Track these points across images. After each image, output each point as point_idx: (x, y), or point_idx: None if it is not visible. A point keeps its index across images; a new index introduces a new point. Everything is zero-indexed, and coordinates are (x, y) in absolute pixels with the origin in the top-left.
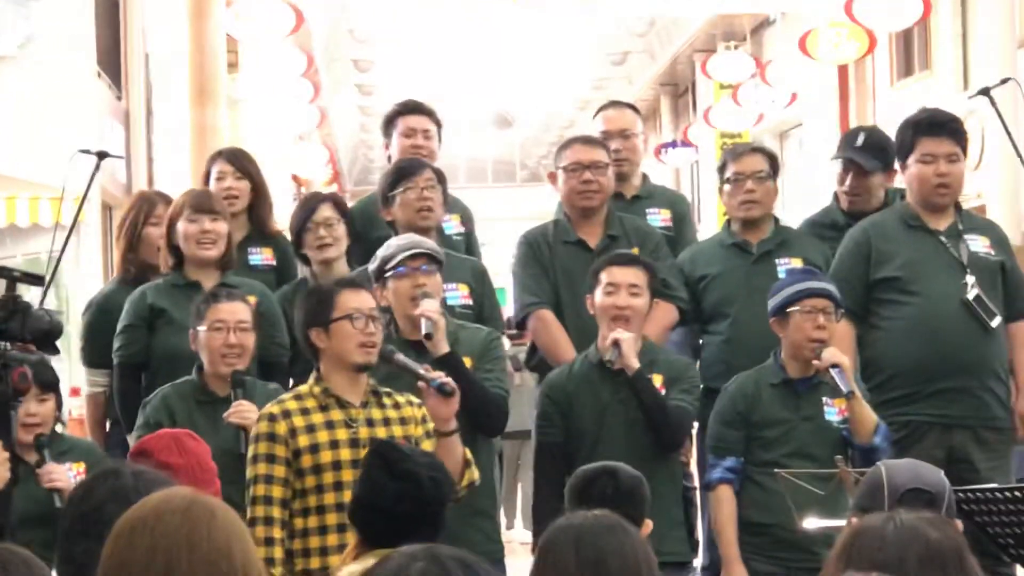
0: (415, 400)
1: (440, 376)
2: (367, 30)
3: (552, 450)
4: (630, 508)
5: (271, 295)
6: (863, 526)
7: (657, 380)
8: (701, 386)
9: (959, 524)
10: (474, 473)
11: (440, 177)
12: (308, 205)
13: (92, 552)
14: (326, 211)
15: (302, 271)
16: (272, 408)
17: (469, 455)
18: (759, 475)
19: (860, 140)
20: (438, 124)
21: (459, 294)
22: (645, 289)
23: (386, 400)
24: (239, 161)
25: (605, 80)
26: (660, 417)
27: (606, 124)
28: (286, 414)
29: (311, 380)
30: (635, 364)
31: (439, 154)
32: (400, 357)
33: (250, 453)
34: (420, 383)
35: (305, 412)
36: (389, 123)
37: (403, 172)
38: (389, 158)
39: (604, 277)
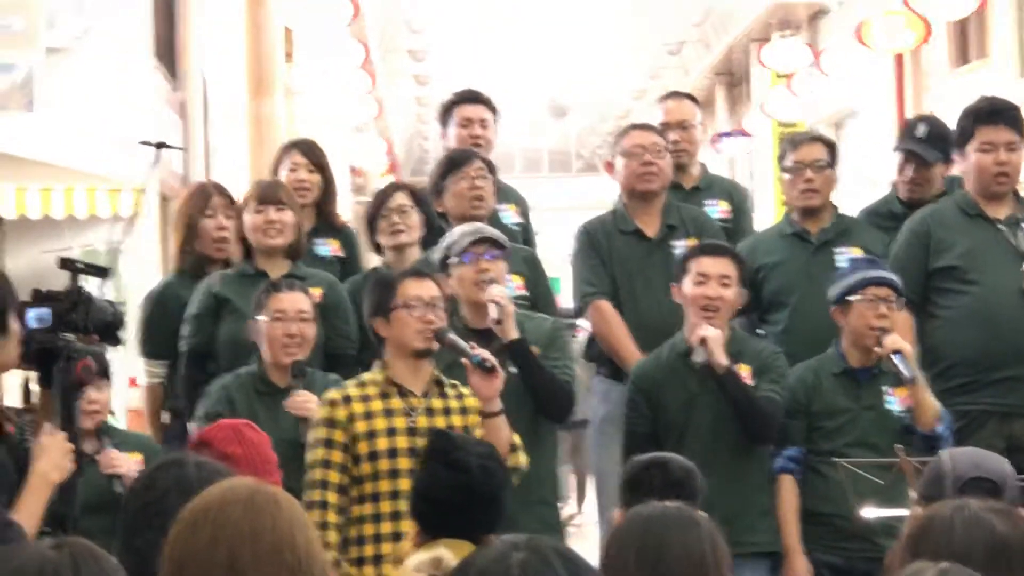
0: (469, 389)
1: (482, 352)
2: (423, 20)
3: (641, 440)
4: (680, 499)
5: (339, 286)
6: (931, 516)
7: (745, 371)
8: (787, 373)
9: (1022, 512)
10: (520, 458)
11: (490, 167)
12: (383, 193)
13: (154, 543)
14: (401, 198)
15: (375, 261)
16: (333, 394)
17: (516, 439)
18: (820, 465)
19: (921, 131)
20: (495, 113)
21: (513, 284)
22: (735, 280)
23: (449, 391)
24: (313, 153)
25: (661, 69)
26: (750, 412)
27: (666, 115)
28: (347, 400)
29: (375, 368)
30: (724, 362)
31: (495, 143)
32: (451, 336)
33: (310, 438)
34: (464, 360)
35: (366, 399)
36: (446, 112)
37: (453, 163)
38: (446, 148)
39: (694, 267)
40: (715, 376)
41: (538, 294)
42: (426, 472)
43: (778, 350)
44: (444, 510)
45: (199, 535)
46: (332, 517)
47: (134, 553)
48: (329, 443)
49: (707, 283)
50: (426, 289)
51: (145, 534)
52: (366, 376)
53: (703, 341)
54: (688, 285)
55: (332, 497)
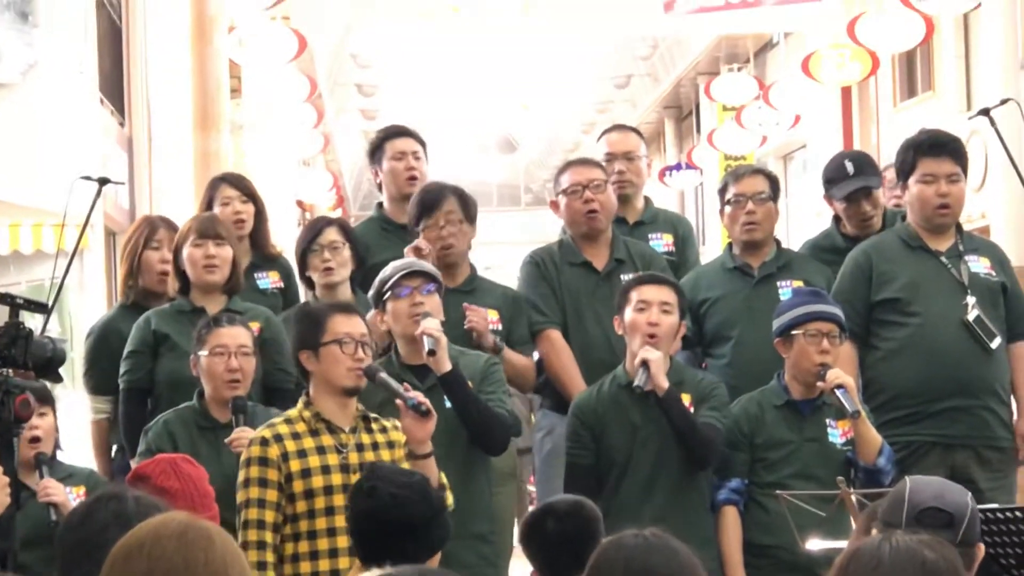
0: (397, 423)
1: (417, 396)
2: (370, 55)
3: (583, 472)
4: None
5: (276, 320)
6: (859, 547)
7: (685, 399)
8: (728, 402)
9: (981, 547)
10: (448, 499)
11: (465, 202)
12: (314, 227)
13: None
14: (332, 234)
15: (305, 295)
16: (264, 432)
17: (444, 480)
18: (763, 496)
19: (850, 168)
20: (424, 145)
21: (491, 318)
22: (675, 308)
23: (374, 425)
24: (242, 184)
25: (609, 103)
26: (690, 436)
27: (610, 147)
28: (278, 438)
29: (300, 404)
30: (664, 384)
31: (427, 175)
32: (383, 375)
33: (241, 477)
34: (398, 401)
35: (296, 436)
36: (376, 149)
37: (425, 206)
38: (380, 186)
39: (635, 295)
40: (656, 399)
41: (513, 331)
42: (350, 503)
43: (717, 381)
44: (366, 540)
45: (132, 569)
46: (270, 556)
47: None
48: (263, 482)
49: (648, 309)
50: (356, 326)
51: (82, 567)
52: (291, 412)
53: (644, 364)
54: (629, 313)
55: (269, 537)
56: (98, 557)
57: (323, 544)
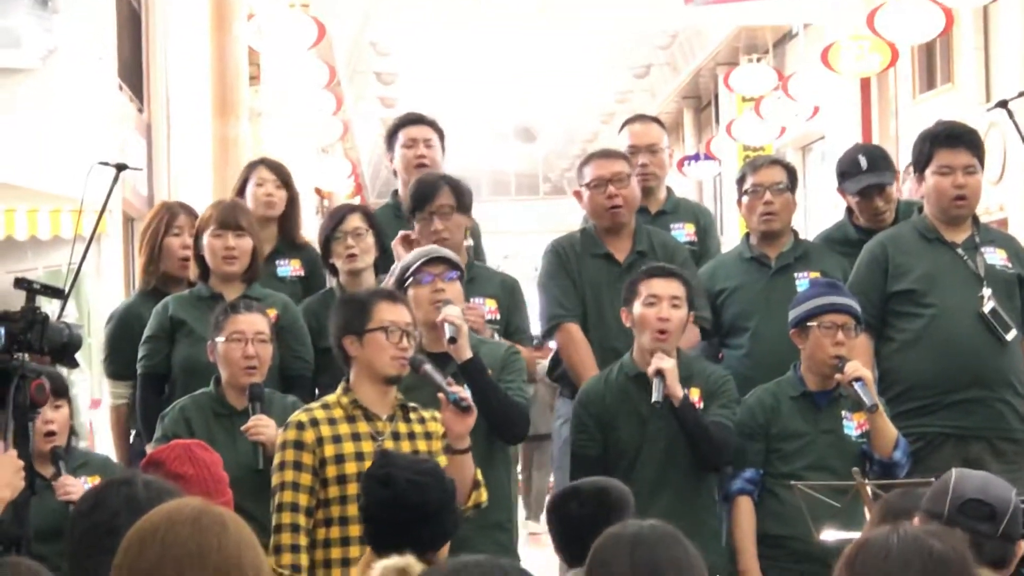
0: (437, 415)
1: (459, 391)
2: (389, 43)
3: (590, 463)
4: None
5: (294, 307)
6: (868, 538)
7: (695, 394)
8: (738, 397)
9: (1022, 545)
10: (482, 495)
11: (459, 193)
12: (337, 215)
13: (104, 563)
14: (355, 221)
15: (329, 282)
16: (300, 416)
17: (480, 476)
18: (777, 487)
19: (864, 163)
20: (440, 133)
21: (486, 308)
22: (684, 301)
23: (412, 415)
24: (279, 171)
25: (628, 93)
26: (704, 441)
27: (633, 139)
28: (314, 422)
29: (339, 390)
30: (679, 394)
31: (442, 164)
32: (428, 367)
33: (276, 460)
34: (440, 395)
35: (332, 422)
36: (391, 136)
37: (418, 199)
38: (395, 172)
39: (644, 289)
40: (672, 408)
41: (511, 321)
42: (364, 490)
43: (727, 373)
44: (381, 527)
45: (146, 555)
46: (303, 540)
47: (83, 573)
48: (298, 465)
49: (658, 304)
50: (401, 314)
51: (94, 554)
52: (330, 398)
53: (659, 373)
54: (638, 307)
55: (303, 520)
56: (109, 544)
57: (355, 531)
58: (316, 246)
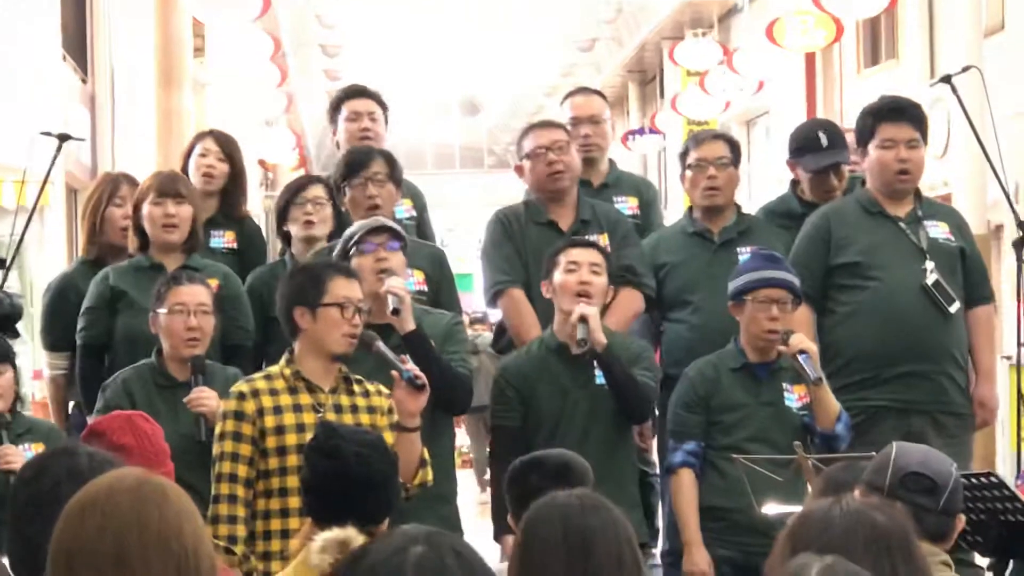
0: (384, 390)
1: (413, 369)
2: (334, 15)
3: (510, 434)
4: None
5: (235, 278)
6: (810, 510)
7: None
8: (657, 367)
9: (962, 518)
10: (428, 475)
11: (391, 165)
12: (299, 183)
13: (44, 532)
14: (317, 190)
15: (273, 254)
16: (242, 386)
17: (427, 455)
18: (719, 460)
19: (824, 140)
20: (383, 107)
21: (413, 280)
22: (604, 270)
23: (356, 388)
24: (226, 144)
25: (573, 67)
26: (631, 390)
27: (574, 110)
28: (255, 393)
29: (282, 361)
30: (603, 339)
31: (386, 137)
32: (380, 345)
33: (217, 430)
34: (393, 372)
35: (274, 393)
36: (335, 109)
37: (352, 167)
38: (338, 144)
39: (563, 258)
40: (585, 362)
41: (440, 292)
42: (307, 463)
43: (646, 344)
44: (326, 499)
45: (87, 524)
46: (241, 511)
47: (23, 542)
48: (237, 436)
49: (579, 270)
50: (355, 291)
51: (35, 523)
52: (272, 369)
53: (583, 319)
54: (559, 275)
55: (241, 491)
56: (50, 513)
57: (294, 502)
58: (256, 217)
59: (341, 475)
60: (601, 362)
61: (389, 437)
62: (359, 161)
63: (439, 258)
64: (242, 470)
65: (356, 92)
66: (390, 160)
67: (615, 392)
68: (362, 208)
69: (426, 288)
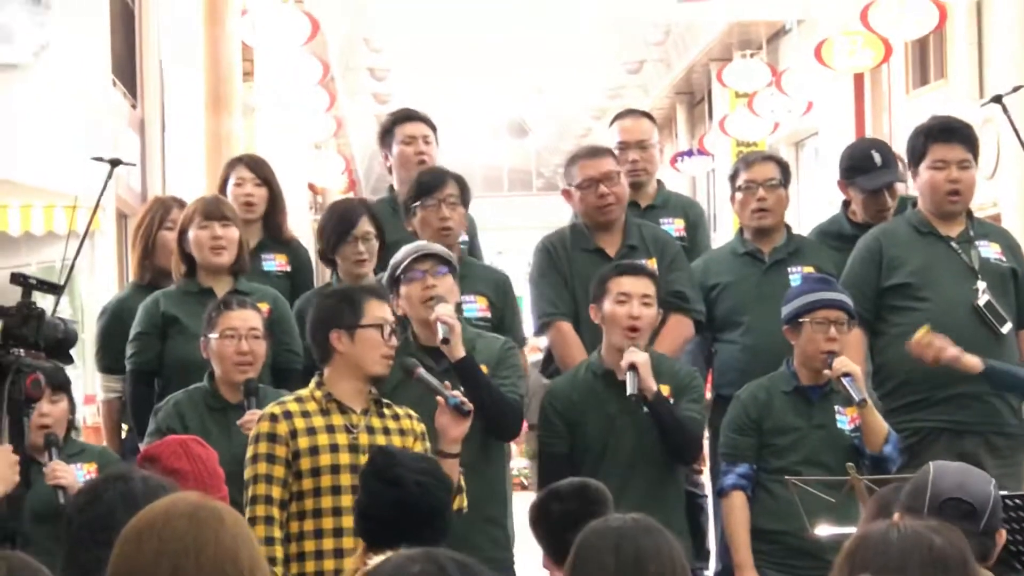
0: (414, 414)
1: (458, 395)
2: (383, 39)
3: (557, 461)
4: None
5: (284, 301)
6: (867, 532)
7: (664, 390)
8: (706, 395)
9: (1003, 534)
10: (463, 501)
11: (463, 189)
12: (348, 217)
13: (100, 558)
14: (365, 226)
15: (320, 277)
16: (273, 408)
17: (463, 482)
18: (771, 482)
19: (878, 159)
20: (434, 129)
21: (477, 306)
22: (655, 300)
23: (386, 411)
24: (259, 168)
25: (621, 89)
26: (678, 435)
27: (622, 134)
28: (287, 415)
29: (312, 383)
30: (653, 387)
31: (438, 159)
32: (422, 371)
33: (250, 452)
34: (438, 398)
35: (306, 415)
36: (386, 133)
37: (424, 187)
38: (390, 169)
39: (614, 287)
40: (646, 402)
41: (504, 318)
42: (365, 489)
43: (694, 370)
44: (385, 527)
45: (143, 549)
46: (277, 532)
47: (79, 568)
48: (271, 458)
49: (629, 302)
50: (388, 312)
51: (91, 549)
52: (303, 392)
53: (632, 367)
54: (608, 305)
55: (276, 512)
56: (105, 539)
57: (328, 523)
58: (306, 240)
59: (402, 503)
60: (650, 408)
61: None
62: (433, 183)
63: (504, 284)
64: (276, 491)
65: (408, 116)
66: (462, 184)
67: (663, 437)
68: (433, 229)
69: (489, 315)
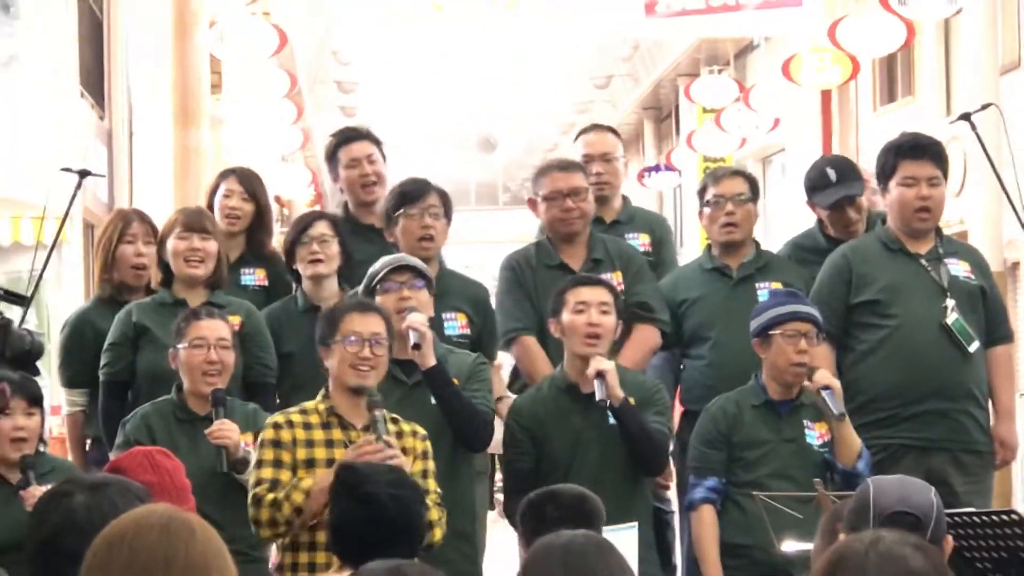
0: (420, 431)
1: (393, 453)
2: (351, 52)
3: (524, 476)
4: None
5: (258, 315)
6: (845, 551)
7: (630, 402)
8: (670, 406)
9: (949, 540)
10: (436, 535)
11: (445, 201)
12: (304, 220)
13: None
14: (321, 227)
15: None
16: (277, 417)
17: (435, 516)
18: (739, 496)
19: (833, 176)
20: (378, 143)
21: (457, 324)
22: (613, 308)
23: (391, 426)
24: (248, 182)
25: (589, 103)
26: (645, 445)
27: (587, 148)
28: (290, 424)
29: (318, 397)
30: (620, 395)
31: (386, 176)
32: (377, 413)
33: (254, 458)
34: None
35: (307, 427)
36: (331, 157)
37: (406, 197)
38: (341, 190)
39: (571, 297)
40: (613, 410)
41: (481, 336)
42: (336, 508)
43: (659, 382)
44: (361, 543)
45: (114, 559)
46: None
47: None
48: (277, 463)
49: (587, 311)
50: (369, 324)
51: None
52: (308, 404)
53: (600, 375)
54: (567, 315)
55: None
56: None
57: (322, 536)
58: (281, 254)
59: (375, 519)
60: (617, 415)
61: (422, 482)
62: (416, 192)
63: (483, 301)
64: (285, 477)
65: (348, 137)
66: (444, 197)
67: (629, 446)
68: (414, 238)
69: (469, 332)
